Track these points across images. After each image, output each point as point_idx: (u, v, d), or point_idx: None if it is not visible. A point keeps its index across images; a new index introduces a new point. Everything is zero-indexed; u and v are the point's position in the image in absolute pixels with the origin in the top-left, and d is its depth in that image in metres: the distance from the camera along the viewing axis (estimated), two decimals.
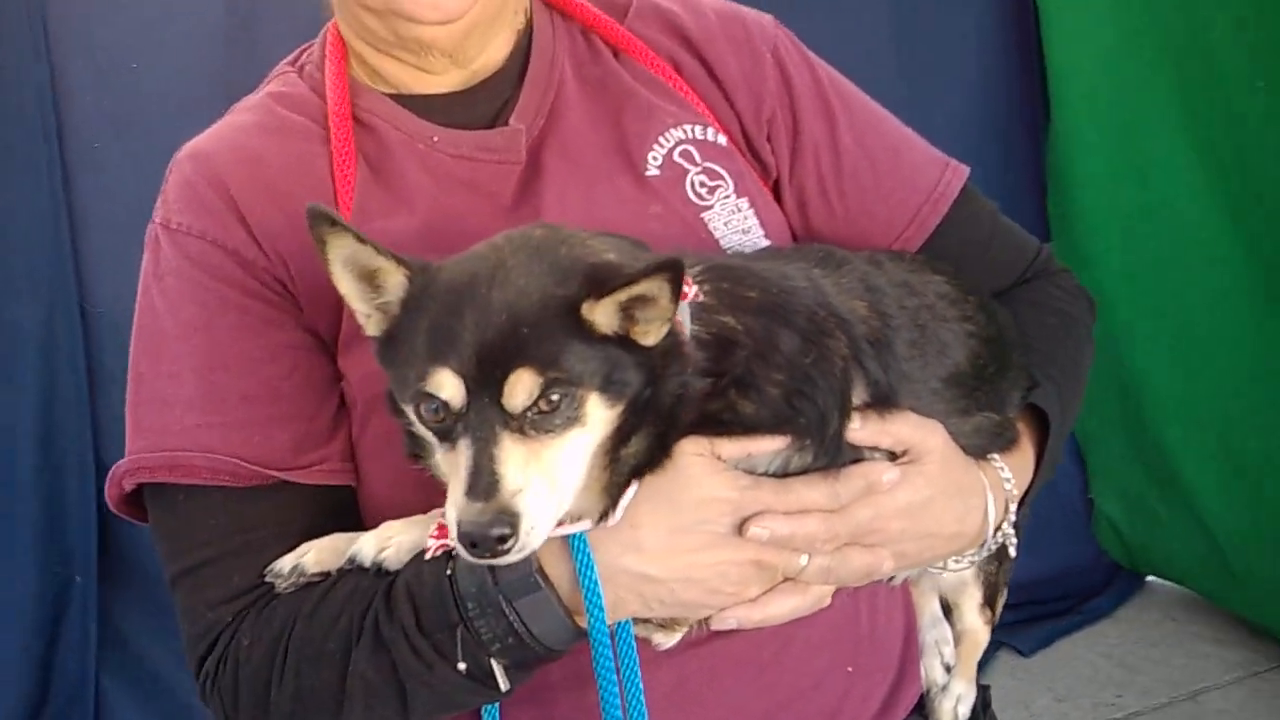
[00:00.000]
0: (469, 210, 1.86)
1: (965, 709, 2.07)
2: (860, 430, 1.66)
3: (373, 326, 1.59)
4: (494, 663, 1.61)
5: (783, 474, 1.60)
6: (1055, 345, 2.03)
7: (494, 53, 1.95)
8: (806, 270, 1.75)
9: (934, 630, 2.11)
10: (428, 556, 1.58)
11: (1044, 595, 5.40)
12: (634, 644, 1.65)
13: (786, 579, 1.63)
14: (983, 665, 4.96)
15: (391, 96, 1.94)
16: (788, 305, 1.64)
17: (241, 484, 1.77)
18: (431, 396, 1.46)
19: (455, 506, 1.42)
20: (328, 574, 1.73)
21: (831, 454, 1.63)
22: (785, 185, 1.99)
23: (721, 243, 1.87)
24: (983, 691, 2.15)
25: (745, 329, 1.58)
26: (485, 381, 1.43)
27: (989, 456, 1.85)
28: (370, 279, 1.55)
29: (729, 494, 1.57)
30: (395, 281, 1.54)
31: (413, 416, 1.53)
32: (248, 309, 1.81)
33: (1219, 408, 4.71)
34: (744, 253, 1.85)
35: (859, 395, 1.67)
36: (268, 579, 1.74)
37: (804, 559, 1.61)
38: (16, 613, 4.07)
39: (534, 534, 1.43)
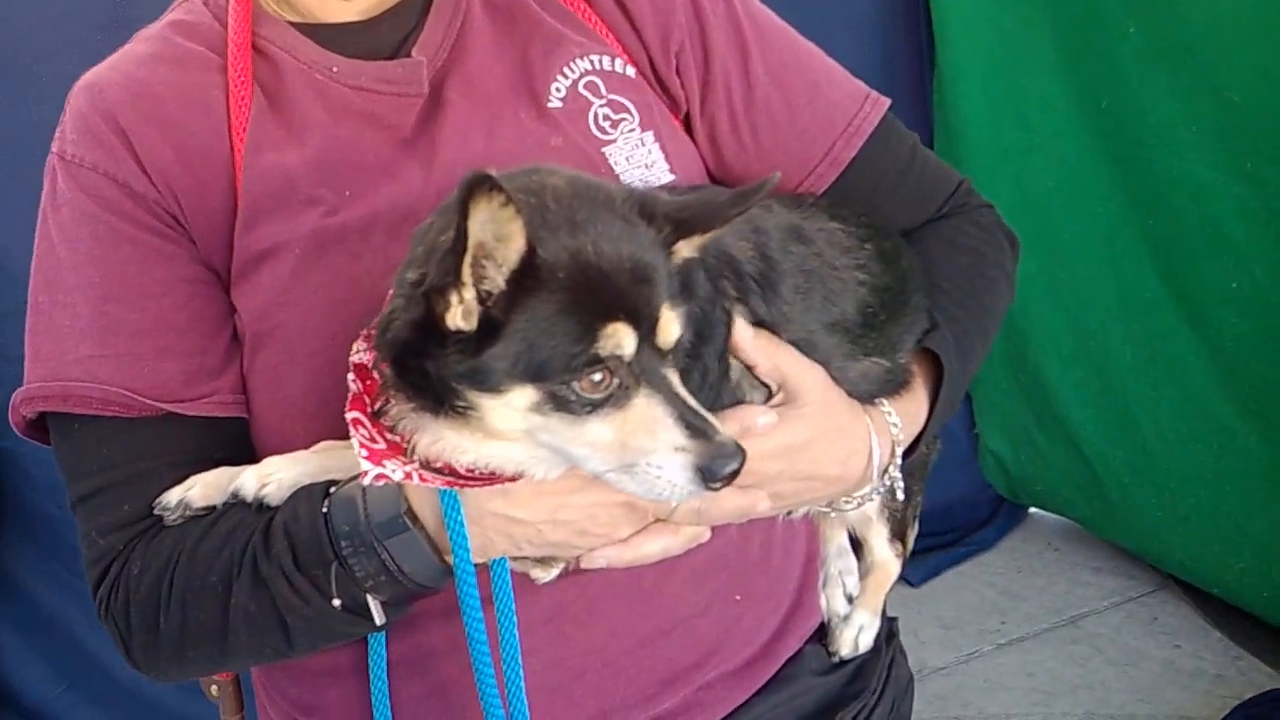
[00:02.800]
0: (365, 142, 1.84)
1: (867, 639, 2.10)
2: (749, 340, 1.68)
3: (466, 318, 1.42)
4: (369, 598, 1.64)
5: None
6: (963, 285, 2.04)
7: None
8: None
9: (839, 561, 2.14)
10: (365, 482, 1.54)
11: (932, 528, 5.53)
12: (508, 578, 1.67)
13: (658, 520, 1.65)
14: None
15: (296, 25, 1.90)
16: None
17: (132, 414, 1.76)
18: (606, 359, 1.40)
19: (686, 452, 1.41)
20: (214, 507, 1.73)
21: (707, 401, 1.63)
22: (696, 119, 1.98)
23: (622, 178, 1.86)
24: (889, 623, 2.19)
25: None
26: (645, 328, 1.42)
27: (876, 401, 1.87)
28: (478, 258, 1.39)
29: None
30: (510, 254, 1.38)
31: (539, 399, 1.42)
32: (140, 242, 1.79)
33: (1095, 344, 4.81)
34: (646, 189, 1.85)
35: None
36: (157, 511, 1.74)
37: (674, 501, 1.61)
38: None
39: None
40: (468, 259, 1.37)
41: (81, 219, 1.80)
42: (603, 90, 1.91)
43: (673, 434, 1.42)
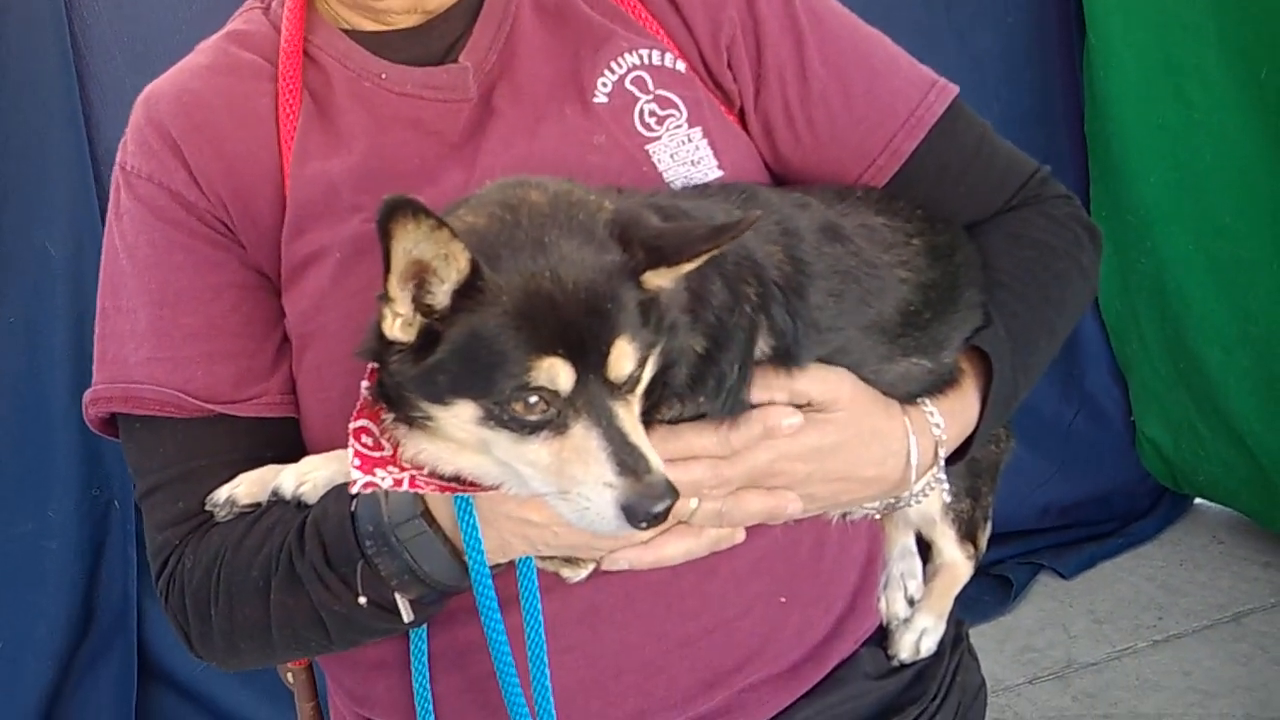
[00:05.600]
0: (409, 148, 1.85)
1: (930, 642, 2.03)
2: (757, 390, 1.65)
3: (405, 330, 1.45)
4: (397, 596, 1.67)
5: (676, 421, 1.60)
6: (1025, 279, 1.95)
7: None
8: (729, 211, 1.72)
9: (901, 563, 2.07)
10: (353, 490, 1.58)
11: (1087, 518, 5.38)
12: (535, 578, 1.69)
13: (680, 522, 1.63)
14: (1021, 588, 5.00)
15: (349, 33, 1.93)
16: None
17: (185, 415, 1.83)
18: (539, 389, 1.40)
19: (613, 488, 1.41)
20: (259, 504, 1.78)
21: (727, 406, 1.62)
22: (750, 113, 1.94)
23: (665, 175, 1.84)
24: (956, 626, 2.12)
25: (686, 275, 1.55)
26: (590, 361, 1.42)
27: (919, 401, 1.81)
28: (417, 273, 1.41)
29: None
30: (452, 272, 1.39)
31: (482, 414, 1.43)
32: (192, 249, 1.85)
33: (1259, 329, 4.59)
34: (673, 190, 1.82)
35: (763, 343, 1.65)
36: (207, 508, 1.80)
37: (694, 503, 1.60)
38: (58, 538, 4.16)
39: None
40: (393, 278, 1.39)
41: (140, 228, 1.88)
42: (650, 86, 1.89)
43: (603, 469, 1.41)
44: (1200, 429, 5.03)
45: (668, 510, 1.41)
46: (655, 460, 1.43)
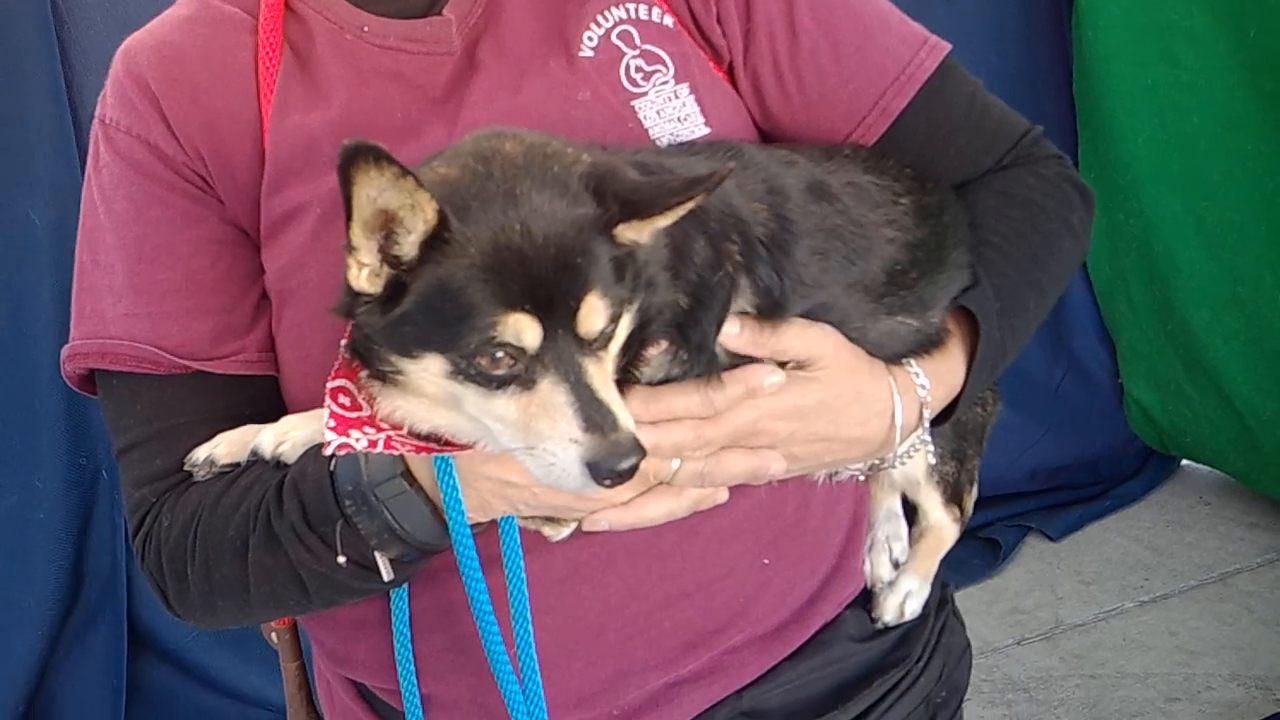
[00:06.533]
0: (392, 102, 1.83)
1: (915, 605, 2.02)
2: (738, 337, 1.63)
3: (372, 281, 1.43)
4: (377, 556, 1.66)
5: (660, 382, 1.58)
6: (1013, 239, 1.93)
7: None
8: (713, 168, 1.70)
9: (887, 526, 2.07)
10: (327, 452, 1.57)
11: (1074, 480, 5.41)
12: (517, 537, 1.69)
13: (661, 482, 1.62)
14: (1010, 550, 5.02)
15: None
16: (701, 206, 1.58)
17: (162, 372, 1.82)
18: (505, 344, 1.39)
19: (578, 444, 1.39)
20: (237, 464, 1.77)
21: (712, 364, 1.60)
22: (739, 70, 1.91)
23: (651, 132, 1.82)
24: (941, 588, 2.12)
25: (666, 231, 1.54)
26: (559, 316, 1.40)
27: (904, 361, 1.80)
28: (383, 223, 1.39)
29: None
30: (419, 222, 1.37)
31: (450, 368, 1.42)
32: (170, 203, 1.83)
33: (1247, 290, 4.60)
34: (658, 148, 1.80)
35: (745, 301, 1.63)
36: (186, 467, 1.79)
37: (675, 464, 1.59)
38: (46, 507, 4.16)
39: None
40: (355, 226, 1.37)
41: (118, 182, 1.86)
42: (637, 40, 1.86)
43: (569, 424, 1.39)
44: (1188, 391, 5.05)
45: (634, 468, 1.39)
46: (624, 417, 1.41)
